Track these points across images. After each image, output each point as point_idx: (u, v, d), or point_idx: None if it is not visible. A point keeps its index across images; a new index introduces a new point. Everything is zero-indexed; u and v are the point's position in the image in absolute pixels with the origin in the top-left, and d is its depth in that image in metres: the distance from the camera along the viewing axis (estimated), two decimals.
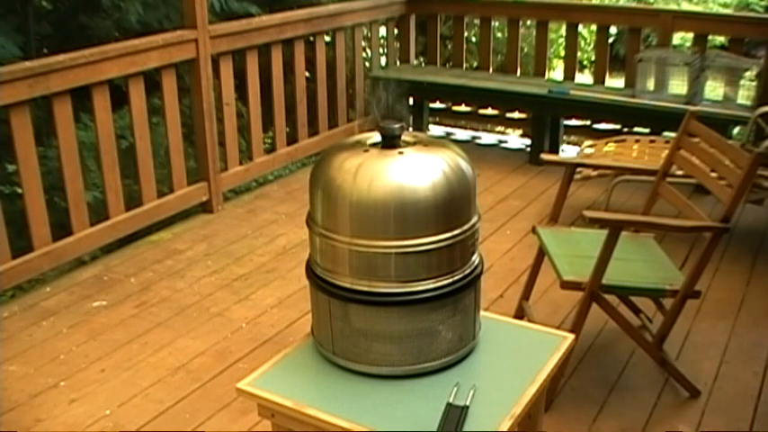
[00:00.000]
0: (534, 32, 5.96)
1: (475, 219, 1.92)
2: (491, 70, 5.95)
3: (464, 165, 1.88)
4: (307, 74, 5.22)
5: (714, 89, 4.83)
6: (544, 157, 3.38)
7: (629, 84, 5.24)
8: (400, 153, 1.85)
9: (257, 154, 4.86)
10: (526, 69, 6.42)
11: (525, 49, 7.20)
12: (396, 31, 6.06)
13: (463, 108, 6.24)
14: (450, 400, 1.80)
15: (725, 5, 9.76)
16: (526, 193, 4.80)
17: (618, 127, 5.27)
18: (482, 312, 2.11)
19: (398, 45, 6.16)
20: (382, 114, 1.98)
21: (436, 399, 1.82)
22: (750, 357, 3.06)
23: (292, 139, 5.17)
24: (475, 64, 6.72)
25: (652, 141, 4.52)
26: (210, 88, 4.37)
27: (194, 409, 2.77)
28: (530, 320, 2.95)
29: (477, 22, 6.86)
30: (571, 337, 2.12)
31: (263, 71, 4.78)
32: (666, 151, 3.10)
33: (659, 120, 4.79)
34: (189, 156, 4.59)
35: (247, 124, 4.85)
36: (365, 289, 1.84)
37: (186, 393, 2.86)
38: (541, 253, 3.03)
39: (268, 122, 4.97)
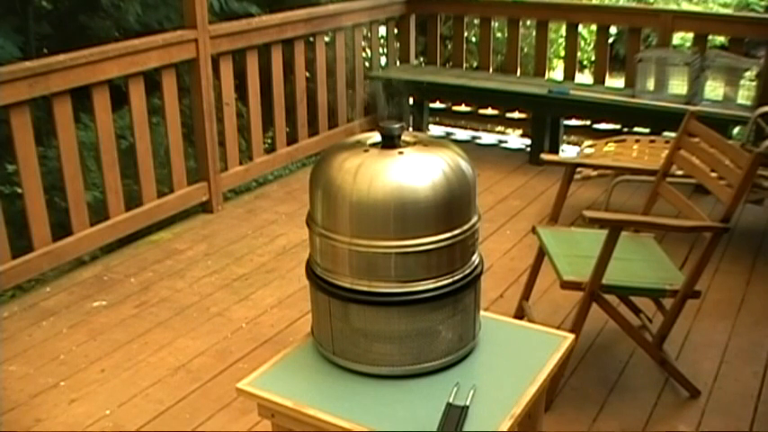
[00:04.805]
0: (534, 32, 5.96)
1: (475, 219, 1.92)
2: (491, 70, 5.95)
3: (464, 165, 1.88)
4: (307, 74, 5.22)
5: (714, 89, 4.83)
6: (544, 157, 3.37)
7: (629, 84, 5.24)
8: (400, 153, 1.85)
9: (257, 154, 4.86)
10: (526, 69, 6.42)
11: (525, 49, 7.19)
12: (396, 31, 6.06)
13: (463, 108, 6.24)
14: (450, 400, 1.80)
15: (725, 5, 9.75)
16: (526, 193, 4.80)
17: (618, 127, 5.27)
18: (482, 312, 2.11)
19: (398, 45, 6.16)
20: (382, 114, 1.98)
21: (436, 399, 1.82)
22: (750, 357, 3.06)
23: (292, 139, 5.17)
24: (475, 64, 6.72)
25: (652, 141, 4.52)
26: (210, 88, 4.37)
27: (194, 409, 2.77)
28: (530, 320, 2.95)
29: (477, 22, 6.86)
30: (571, 337, 2.12)
31: (263, 71, 4.78)
32: (666, 151, 3.10)
33: (659, 120, 4.79)
34: (189, 156, 4.59)
35: (247, 124, 4.85)
36: (365, 289, 1.84)
37: (186, 393, 2.86)
38: (541, 253, 3.03)
39: (268, 122, 4.97)
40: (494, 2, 5.91)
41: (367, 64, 5.99)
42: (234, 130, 4.66)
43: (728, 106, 4.67)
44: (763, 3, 9.82)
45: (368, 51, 6.03)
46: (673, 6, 9.16)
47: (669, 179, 3.03)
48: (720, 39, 6.80)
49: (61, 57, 3.57)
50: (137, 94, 3.99)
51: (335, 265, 1.87)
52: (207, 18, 4.28)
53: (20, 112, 3.42)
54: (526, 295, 3.19)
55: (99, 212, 4.03)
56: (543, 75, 5.73)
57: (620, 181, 4.00)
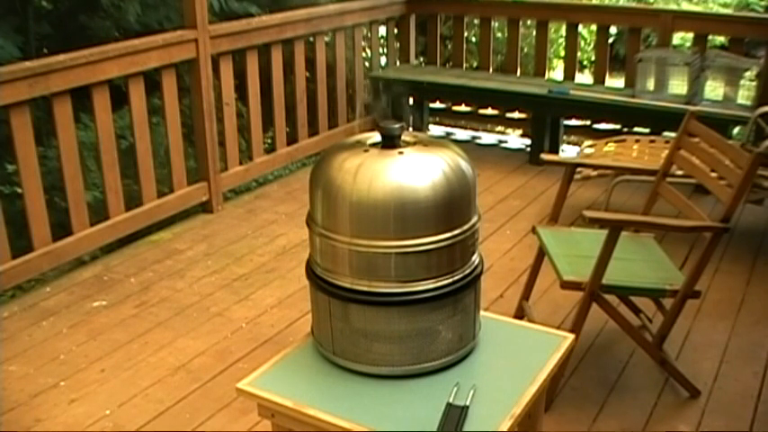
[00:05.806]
0: (534, 32, 5.96)
1: (475, 219, 1.92)
2: (491, 70, 5.95)
3: (464, 165, 1.88)
4: (307, 74, 5.22)
5: (714, 89, 4.83)
6: (544, 157, 3.38)
7: (629, 84, 5.24)
8: (400, 153, 1.85)
9: (257, 154, 4.86)
10: (526, 69, 6.42)
11: (525, 49, 7.20)
12: (396, 31, 6.06)
13: (463, 108, 6.24)
14: (450, 400, 1.80)
15: (725, 5, 9.75)
16: (526, 193, 4.80)
17: (618, 127, 5.27)
18: (482, 312, 2.11)
19: (398, 45, 6.16)
20: (382, 114, 1.98)
21: (436, 399, 1.82)
22: (750, 357, 3.06)
23: (292, 139, 5.17)
24: (475, 64, 6.72)
25: (652, 141, 4.52)
26: (210, 88, 4.37)
27: (194, 409, 2.77)
28: (530, 320, 2.95)
29: (477, 22, 6.86)
30: (571, 337, 2.12)
31: (263, 71, 4.78)
32: (666, 151, 3.10)
33: (659, 120, 4.79)
34: (189, 156, 4.59)
35: (247, 124, 4.85)
36: (365, 289, 1.84)
37: (186, 393, 2.86)
38: (541, 253, 3.03)
39: (268, 122, 4.97)
40: (494, 2, 5.91)
41: (367, 64, 5.99)
42: (234, 130, 4.66)
43: (728, 106, 4.67)
44: (763, 3, 9.82)
45: (368, 51, 6.04)
46: (673, 6, 9.16)
47: (669, 179, 3.03)
48: (720, 39, 6.80)
49: (61, 57, 3.57)
50: (137, 94, 3.99)
51: (335, 265, 1.87)
52: (207, 18, 4.28)
53: (20, 112, 3.42)
54: (526, 295, 3.19)
55: (99, 212, 4.03)
56: (543, 75, 5.73)
57: (620, 181, 4.00)
